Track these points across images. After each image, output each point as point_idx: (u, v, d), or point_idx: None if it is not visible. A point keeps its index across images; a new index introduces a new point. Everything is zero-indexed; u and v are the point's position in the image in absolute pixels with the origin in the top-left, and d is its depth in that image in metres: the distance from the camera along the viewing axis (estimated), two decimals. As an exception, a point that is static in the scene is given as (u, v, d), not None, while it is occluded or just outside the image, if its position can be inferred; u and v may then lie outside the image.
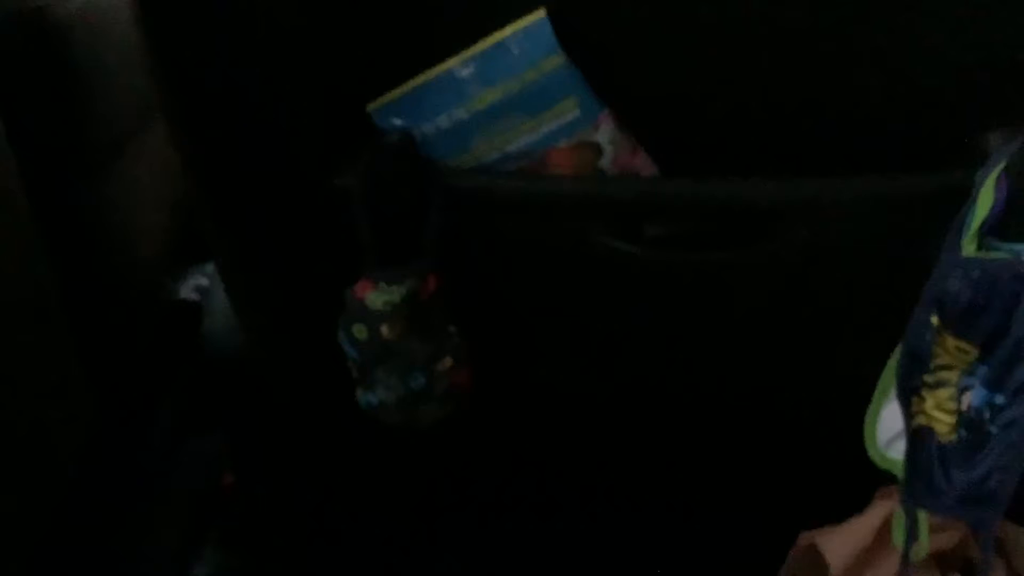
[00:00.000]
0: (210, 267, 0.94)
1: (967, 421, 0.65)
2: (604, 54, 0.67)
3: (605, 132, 0.69)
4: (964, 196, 0.65)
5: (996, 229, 0.64)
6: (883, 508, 0.75)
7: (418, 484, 0.93)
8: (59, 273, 0.79)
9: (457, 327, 0.73)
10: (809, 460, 0.84)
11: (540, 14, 0.65)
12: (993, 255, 0.63)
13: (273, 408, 0.89)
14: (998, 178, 0.64)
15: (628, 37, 0.67)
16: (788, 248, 0.71)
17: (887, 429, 0.70)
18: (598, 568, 0.92)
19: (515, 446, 0.89)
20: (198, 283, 0.95)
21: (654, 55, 0.67)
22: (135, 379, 0.90)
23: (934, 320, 0.65)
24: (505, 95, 0.67)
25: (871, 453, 0.71)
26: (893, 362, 0.68)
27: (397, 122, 0.68)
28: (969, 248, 0.63)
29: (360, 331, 0.70)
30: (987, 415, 0.64)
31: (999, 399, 0.64)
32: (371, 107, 0.68)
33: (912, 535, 0.69)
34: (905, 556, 0.70)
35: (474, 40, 0.66)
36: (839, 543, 0.75)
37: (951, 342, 0.65)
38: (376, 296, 0.69)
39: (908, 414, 0.67)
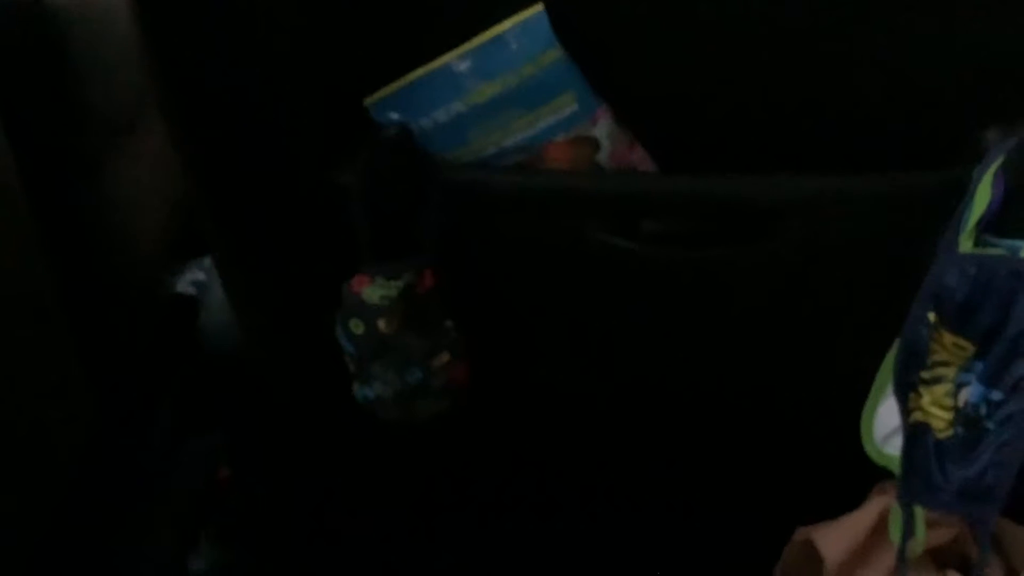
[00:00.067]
0: (207, 261, 0.94)
1: (964, 417, 0.65)
2: (602, 49, 0.67)
3: (603, 127, 0.69)
4: (961, 193, 0.65)
5: (993, 226, 0.64)
6: (880, 504, 0.75)
7: (416, 481, 0.93)
8: (57, 269, 0.79)
9: (454, 322, 0.73)
10: (806, 456, 0.84)
11: (538, 8, 0.65)
12: (990, 251, 0.63)
13: (271, 403, 0.89)
14: (995, 175, 0.64)
15: (626, 32, 0.67)
16: (786, 245, 0.70)
17: (884, 425, 0.70)
18: (597, 561, 0.93)
19: (513, 444, 0.89)
20: (195, 278, 0.95)
21: (652, 50, 0.67)
22: (133, 375, 0.90)
23: (931, 316, 0.65)
24: (503, 89, 0.67)
25: (868, 449, 0.71)
26: (890, 358, 0.68)
27: (394, 116, 0.68)
28: (966, 245, 0.64)
29: (357, 326, 0.70)
30: (984, 411, 0.65)
31: (996, 395, 0.64)
32: (368, 101, 0.68)
33: (908, 531, 0.70)
34: (901, 552, 0.71)
35: (472, 34, 0.66)
36: (835, 538, 0.76)
37: (948, 338, 0.65)
38: (373, 291, 0.69)
39: (905, 410, 0.67)
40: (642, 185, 0.72)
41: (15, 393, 0.75)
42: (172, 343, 0.93)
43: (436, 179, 0.69)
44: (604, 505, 0.92)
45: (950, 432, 0.66)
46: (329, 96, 0.69)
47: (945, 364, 0.65)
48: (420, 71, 0.67)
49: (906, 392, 0.67)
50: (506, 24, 0.66)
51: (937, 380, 0.66)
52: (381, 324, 0.70)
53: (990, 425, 0.64)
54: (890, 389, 0.67)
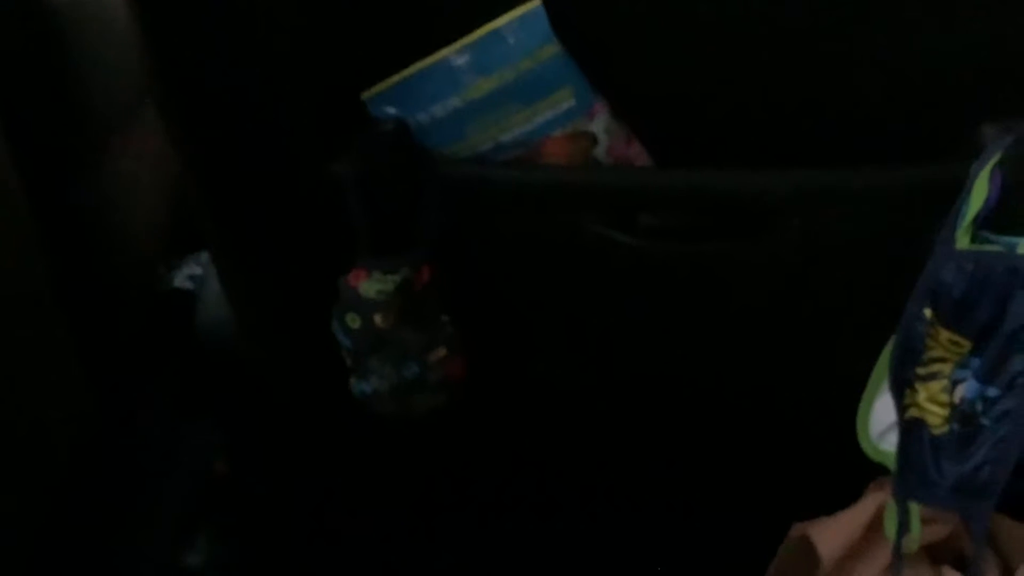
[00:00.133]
0: (204, 256, 0.94)
1: (959, 413, 0.65)
2: (599, 44, 0.67)
3: (600, 122, 0.69)
4: (959, 189, 0.65)
5: (990, 222, 0.64)
6: (876, 500, 0.75)
7: (414, 477, 0.93)
8: (54, 265, 0.79)
9: (451, 317, 0.73)
10: (803, 452, 0.84)
11: (535, 3, 0.65)
12: (987, 248, 0.63)
13: (267, 399, 0.89)
14: (992, 171, 0.64)
15: (624, 27, 0.66)
16: (783, 240, 0.71)
17: (880, 421, 0.70)
18: (596, 557, 0.93)
19: (511, 441, 0.89)
20: (192, 272, 0.95)
21: (649, 45, 0.67)
22: (130, 371, 0.90)
23: (927, 312, 0.65)
24: (500, 84, 0.67)
25: (864, 445, 0.71)
26: (886, 354, 0.68)
27: (391, 110, 0.68)
28: (963, 241, 0.64)
29: (353, 320, 0.70)
30: (979, 407, 0.65)
31: (991, 392, 0.64)
32: (366, 95, 0.68)
33: (904, 527, 0.70)
34: (897, 548, 0.71)
35: (469, 29, 0.66)
36: (831, 535, 0.76)
37: (944, 335, 0.65)
38: (370, 285, 0.69)
39: (901, 406, 0.67)
40: (639, 179, 0.72)
41: (12, 388, 0.75)
42: (168, 338, 0.93)
43: (433, 174, 0.69)
44: (602, 501, 0.92)
45: (946, 428, 0.66)
46: (326, 90, 0.69)
47: (941, 360, 0.65)
48: (418, 66, 0.67)
49: (902, 388, 0.67)
50: (504, 19, 0.66)
51: (933, 376, 0.66)
52: (378, 319, 0.70)
53: (986, 421, 0.65)
54: (886, 385, 0.67)
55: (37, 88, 0.76)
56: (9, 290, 0.74)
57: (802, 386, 0.80)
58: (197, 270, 0.94)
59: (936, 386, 0.66)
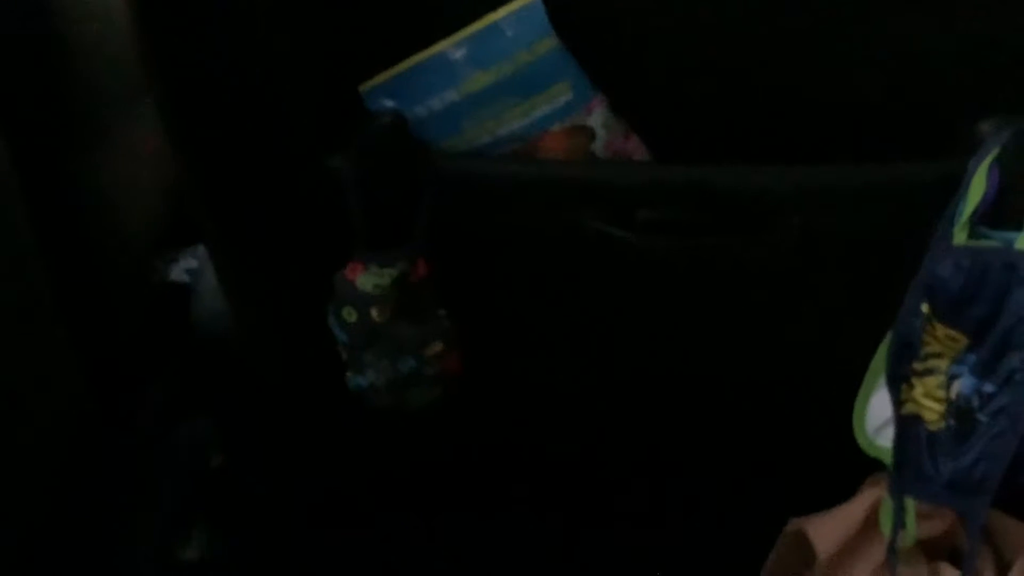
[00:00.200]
0: (201, 249, 0.94)
1: (956, 409, 0.65)
2: (598, 38, 0.67)
3: (598, 116, 0.69)
4: (956, 185, 0.64)
5: (987, 218, 0.64)
6: (872, 496, 0.75)
7: (409, 470, 0.93)
8: (49, 257, 0.78)
9: (447, 311, 0.73)
10: (799, 447, 0.84)
11: (533, -4, 0.65)
12: (984, 244, 0.63)
13: (264, 392, 0.89)
14: (990, 167, 0.64)
15: (622, 21, 0.66)
16: (781, 235, 0.70)
17: (876, 416, 0.70)
18: (596, 554, 0.93)
19: (509, 438, 0.89)
20: (188, 265, 0.94)
21: (648, 39, 0.67)
22: (125, 364, 0.90)
23: (924, 308, 0.65)
24: (498, 78, 0.67)
25: (860, 440, 0.71)
26: (883, 349, 0.68)
27: (388, 103, 0.68)
28: (960, 236, 0.64)
29: (350, 314, 0.70)
30: (976, 403, 0.65)
31: (988, 387, 0.64)
32: (363, 88, 0.68)
33: (899, 523, 0.70)
34: (892, 544, 0.71)
35: (467, 22, 0.66)
36: (827, 530, 0.76)
37: (941, 330, 0.65)
38: (366, 279, 0.69)
39: (897, 402, 0.67)
40: (638, 175, 0.72)
41: (6, 381, 0.74)
42: (164, 331, 0.93)
43: (430, 167, 0.69)
44: (600, 496, 0.92)
45: (942, 424, 0.66)
46: (323, 83, 0.69)
47: (938, 356, 0.65)
48: (415, 59, 0.67)
49: (898, 384, 0.67)
50: (501, 12, 0.65)
51: (929, 372, 0.66)
52: (374, 312, 0.70)
53: (982, 417, 0.65)
54: (882, 381, 0.67)
55: (33, 83, 0.76)
56: (5, 285, 0.74)
57: (799, 381, 0.80)
58: (194, 263, 0.94)
59: (932, 382, 0.66)
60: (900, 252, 0.66)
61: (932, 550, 0.75)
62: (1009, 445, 0.64)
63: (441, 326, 0.73)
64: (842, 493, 0.78)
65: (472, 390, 0.77)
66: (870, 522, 0.74)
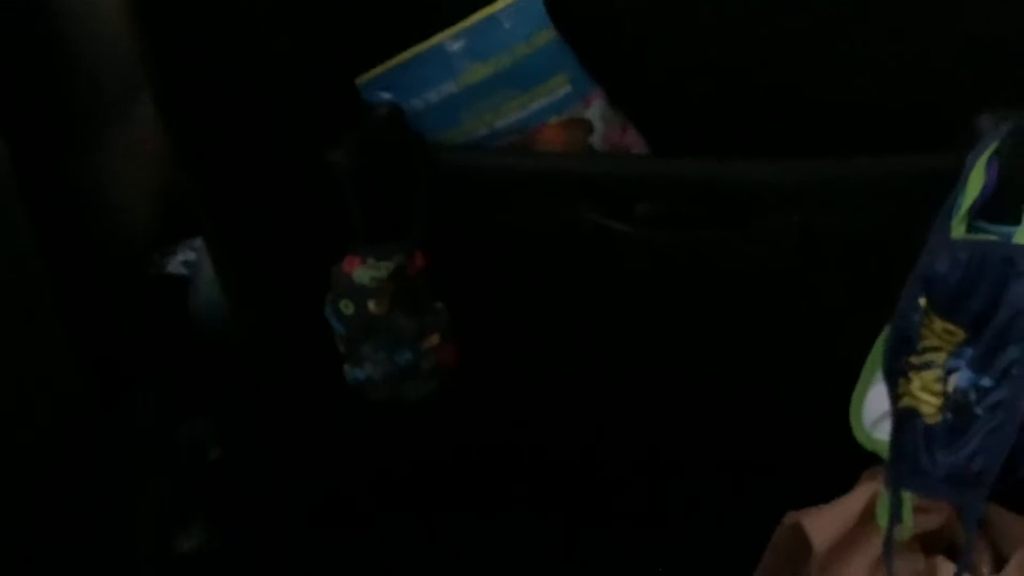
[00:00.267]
0: (199, 242, 0.93)
1: (953, 403, 0.65)
2: (596, 31, 0.67)
3: (596, 109, 0.69)
4: (955, 178, 0.64)
5: (986, 211, 0.64)
6: (869, 489, 0.75)
7: (409, 470, 0.93)
8: (47, 251, 0.78)
9: (444, 304, 0.73)
10: (796, 440, 0.84)
11: (532, -12, 0.65)
12: (982, 237, 0.63)
13: (261, 385, 0.89)
14: (988, 160, 0.64)
15: (620, 14, 0.66)
16: (781, 229, 0.70)
17: (873, 410, 0.70)
18: (596, 551, 0.93)
19: (508, 435, 0.89)
20: (186, 258, 0.94)
21: (646, 33, 0.67)
22: (123, 357, 0.90)
23: (922, 302, 0.65)
24: (496, 70, 0.67)
25: (857, 434, 0.71)
26: (880, 343, 0.68)
27: (386, 96, 0.68)
28: (958, 230, 0.63)
29: (347, 306, 0.70)
30: (973, 397, 0.65)
31: (985, 381, 0.64)
32: (360, 81, 0.68)
33: (896, 516, 0.70)
34: (888, 537, 0.71)
35: (465, 14, 0.66)
36: (824, 523, 0.76)
37: (939, 324, 0.65)
38: (364, 271, 0.69)
39: (894, 395, 0.67)
40: (635, 167, 0.71)
41: (6, 378, 0.74)
42: (162, 324, 0.93)
43: (427, 160, 0.69)
44: (600, 496, 0.93)
45: (939, 418, 0.66)
46: (321, 76, 0.69)
47: (935, 349, 0.65)
48: (412, 51, 0.67)
49: (896, 377, 0.67)
50: (499, 4, 0.65)
51: (927, 365, 0.66)
52: (371, 305, 0.70)
53: (979, 411, 0.64)
54: (880, 374, 0.67)
55: (31, 76, 0.76)
56: (4, 283, 0.74)
57: (797, 374, 0.80)
58: (191, 256, 0.94)
59: (930, 375, 0.66)
60: (898, 248, 0.66)
61: (929, 544, 0.75)
62: (1006, 439, 0.64)
63: (438, 318, 0.73)
64: (839, 487, 0.78)
65: (472, 389, 0.77)
66: (867, 516, 0.74)
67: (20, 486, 0.78)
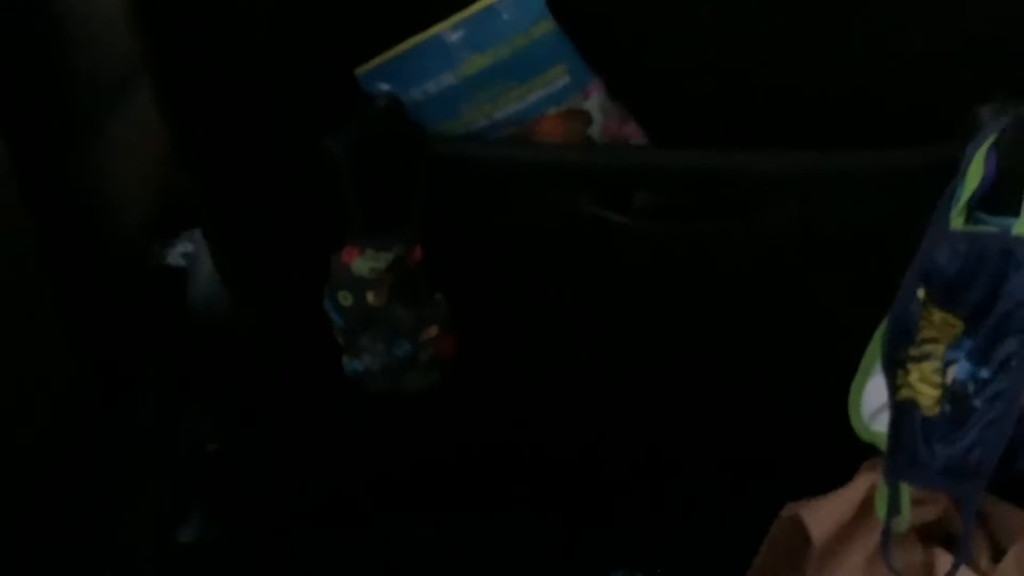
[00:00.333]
0: (197, 233, 0.93)
1: (951, 395, 0.65)
2: (595, 22, 0.67)
3: (595, 100, 0.69)
4: (954, 170, 0.64)
5: (985, 203, 0.64)
6: (868, 481, 0.75)
7: (409, 470, 0.93)
8: (45, 242, 0.78)
9: (443, 295, 0.73)
10: (795, 432, 0.84)
11: (530, -21, 0.65)
12: (981, 229, 0.63)
13: (260, 377, 0.89)
14: (988, 152, 0.63)
15: (619, 5, 0.66)
16: (780, 220, 0.70)
17: (872, 402, 0.70)
18: (595, 548, 0.93)
19: (507, 432, 0.89)
20: (185, 249, 0.94)
21: (645, 24, 0.67)
22: (121, 349, 0.90)
23: (921, 293, 0.65)
24: (494, 61, 0.66)
25: (855, 426, 0.71)
26: (879, 335, 0.68)
27: (384, 87, 0.67)
28: (957, 221, 0.63)
29: (345, 298, 0.70)
30: (971, 389, 0.65)
31: (984, 373, 0.64)
32: (359, 71, 0.68)
33: (894, 508, 0.70)
34: (887, 529, 0.71)
35: (463, 5, 0.65)
36: (823, 515, 0.76)
37: (937, 315, 0.65)
38: (362, 263, 0.69)
39: (893, 387, 0.67)
40: (634, 159, 0.71)
41: (3, 375, 0.74)
42: (160, 316, 0.93)
43: (426, 151, 0.69)
44: (600, 496, 0.93)
45: (937, 409, 0.66)
46: (319, 67, 0.69)
47: (934, 341, 0.65)
48: (411, 42, 0.66)
49: (894, 369, 0.67)
50: (498, -5, 0.65)
51: (925, 357, 0.66)
52: (370, 296, 0.70)
53: (977, 403, 0.64)
54: (878, 366, 0.67)
55: (28, 68, 0.76)
56: (4, 281, 0.74)
57: (796, 366, 0.80)
58: (190, 247, 0.94)
59: (928, 367, 0.66)
60: (899, 241, 0.66)
61: (927, 535, 0.75)
62: (1004, 431, 0.64)
63: (437, 310, 0.73)
64: (838, 478, 0.78)
65: (472, 388, 0.77)
66: (865, 508, 0.74)
67: (15, 479, 0.78)
